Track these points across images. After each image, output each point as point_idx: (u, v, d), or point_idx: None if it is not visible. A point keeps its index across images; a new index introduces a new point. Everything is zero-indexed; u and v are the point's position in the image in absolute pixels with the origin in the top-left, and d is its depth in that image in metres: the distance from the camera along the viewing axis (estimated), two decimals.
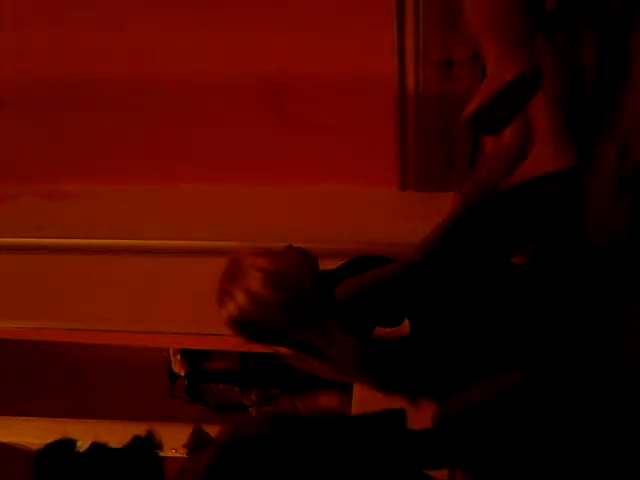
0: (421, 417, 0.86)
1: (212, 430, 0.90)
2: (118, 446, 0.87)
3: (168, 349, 2.33)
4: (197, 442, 0.87)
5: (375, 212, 1.56)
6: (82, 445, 0.89)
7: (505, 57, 0.75)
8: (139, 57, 1.39)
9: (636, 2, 0.75)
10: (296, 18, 1.27)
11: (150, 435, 0.88)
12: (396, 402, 0.84)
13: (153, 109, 1.50)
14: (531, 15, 0.77)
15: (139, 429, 0.88)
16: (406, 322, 0.90)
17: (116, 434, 0.91)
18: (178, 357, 2.32)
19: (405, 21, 1.21)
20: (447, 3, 1.16)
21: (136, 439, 0.87)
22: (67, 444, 0.87)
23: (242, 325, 0.82)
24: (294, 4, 1.25)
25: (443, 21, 1.18)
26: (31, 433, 2.35)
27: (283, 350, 0.86)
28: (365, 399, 1.45)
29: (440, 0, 1.16)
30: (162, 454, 0.91)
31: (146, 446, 0.87)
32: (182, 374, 2.33)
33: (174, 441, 1.54)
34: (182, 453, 0.88)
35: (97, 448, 0.87)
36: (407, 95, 1.35)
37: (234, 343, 0.88)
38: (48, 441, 0.88)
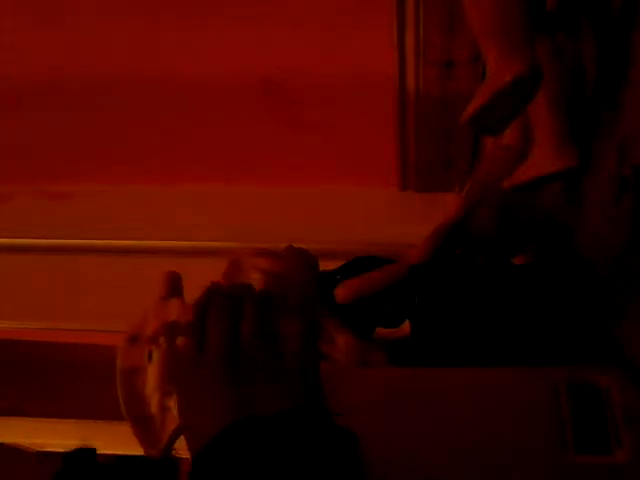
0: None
1: None
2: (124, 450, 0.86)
3: None
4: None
5: (375, 212, 1.56)
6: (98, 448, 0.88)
7: (505, 57, 0.75)
8: (139, 57, 1.39)
9: (636, 2, 0.75)
10: (296, 17, 1.27)
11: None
12: None
13: (153, 109, 1.50)
14: (531, 16, 0.77)
15: None
16: (406, 322, 0.89)
17: (116, 434, 0.91)
18: None
19: (405, 21, 1.21)
20: (448, 3, 1.16)
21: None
22: (88, 453, 0.86)
23: None
24: (294, 4, 1.25)
25: (443, 21, 1.18)
26: (31, 433, 2.35)
27: None
28: None
29: (441, 0, 1.16)
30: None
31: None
32: None
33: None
34: (182, 454, 0.88)
35: (120, 460, 0.86)
36: (407, 95, 1.35)
37: None
38: (49, 441, 0.88)
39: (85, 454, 0.85)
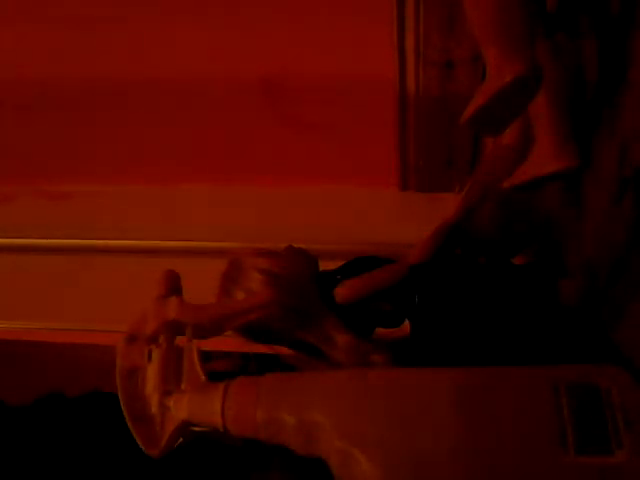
0: None
1: None
2: None
3: None
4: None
5: (375, 212, 1.56)
6: None
7: (505, 58, 0.75)
8: (139, 57, 1.39)
9: (636, 2, 0.75)
10: (296, 17, 1.27)
11: None
12: None
13: (153, 109, 1.50)
14: (531, 16, 0.77)
15: None
16: (406, 322, 0.90)
17: None
18: None
19: (405, 21, 1.21)
20: (448, 3, 1.16)
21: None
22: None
23: (242, 325, 0.82)
24: (294, 3, 1.25)
25: (444, 21, 1.18)
26: None
27: (283, 350, 0.87)
28: None
29: (441, 0, 1.16)
30: None
31: None
32: None
33: None
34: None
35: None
36: (407, 95, 1.35)
37: (234, 343, 0.88)
38: None
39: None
